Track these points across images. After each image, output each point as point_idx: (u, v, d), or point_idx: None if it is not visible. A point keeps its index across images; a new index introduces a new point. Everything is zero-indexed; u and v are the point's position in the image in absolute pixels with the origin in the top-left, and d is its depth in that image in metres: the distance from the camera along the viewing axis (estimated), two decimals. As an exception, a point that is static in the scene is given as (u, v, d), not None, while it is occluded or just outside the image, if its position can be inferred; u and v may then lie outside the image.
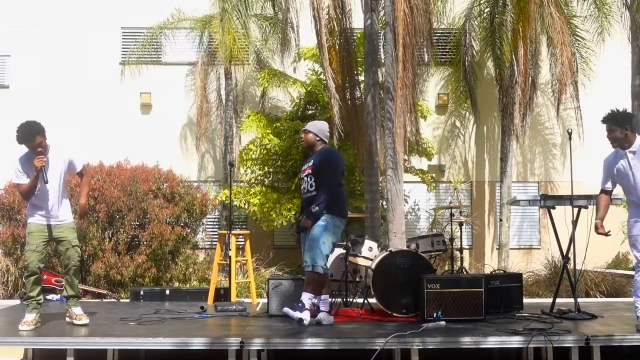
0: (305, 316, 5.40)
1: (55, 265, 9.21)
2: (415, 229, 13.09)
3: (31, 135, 5.29)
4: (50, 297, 7.75)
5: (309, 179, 5.66)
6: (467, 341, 4.88)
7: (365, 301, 6.42)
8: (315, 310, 5.50)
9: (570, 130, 6.42)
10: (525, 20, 11.34)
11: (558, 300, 6.45)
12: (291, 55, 11.77)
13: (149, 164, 10.84)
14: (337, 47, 10.10)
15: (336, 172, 5.63)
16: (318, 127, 5.82)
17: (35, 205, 5.43)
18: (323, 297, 5.59)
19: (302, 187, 5.78)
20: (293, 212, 10.67)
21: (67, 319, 5.53)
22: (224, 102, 12.90)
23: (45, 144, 5.38)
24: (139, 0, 13.32)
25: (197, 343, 4.88)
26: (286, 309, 5.50)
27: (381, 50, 9.91)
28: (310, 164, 5.69)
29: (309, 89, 11.87)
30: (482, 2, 12.90)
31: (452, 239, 8.18)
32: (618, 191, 5.68)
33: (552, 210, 6.46)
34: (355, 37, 10.67)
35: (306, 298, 5.47)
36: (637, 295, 5.20)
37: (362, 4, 9.85)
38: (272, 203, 11.16)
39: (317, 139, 5.78)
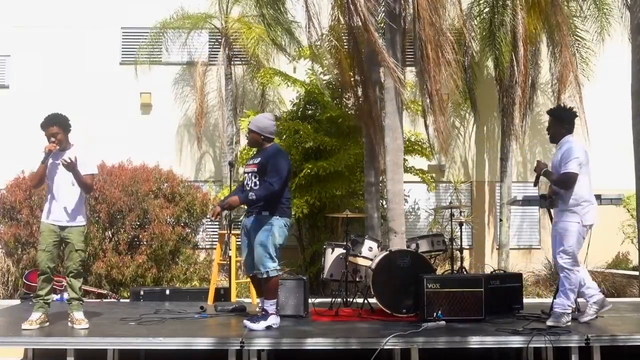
0: (274, 320, 5.37)
1: (56, 265, 9.20)
2: (415, 229, 13.08)
3: (49, 122, 5.44)
4: (51, 296, 7.74)
5: (253, 177, 5.49)
6: (467, 341, 4.89)
7: (365, 301, 6.43)
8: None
9: (570, 131, 6.42)
10: (534, 19, 11.38)
11: (558, 300, 6.44)
12: (292, 54, 11.79)
13: (149, 164, 10.85)
14: (343, 46, 10.12)
15: (281, 171, 5.43)
16: (260, 126, 5.58)
17: (47, 206, 5.48)
18: (271, 301, 5.48)
19: (246, 183, 5.60)
20: (293, 212, 10.65)
21: (69, 323, 5.51)
22: (224, 101, 12.91)
23: (62, 138, 5.45)
24: (139, 0, 13.31)
25: (198, 343, 4.89)
26: (248, 323, 5.31)
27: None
28: (257, 161, 5.52)
29: (308, 89, 11.87)
30: (481, 2, 12.89)
31: (452, 239, 8.18)
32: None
33: (552, 210, 6.45)
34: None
35: (268, 305, 5.41)
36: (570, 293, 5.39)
37: (364, 4, 9.84)
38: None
39: (262, 137, 5.58)
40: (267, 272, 5.35)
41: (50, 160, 5.44)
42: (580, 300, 6.23)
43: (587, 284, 5.61)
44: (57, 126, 5.43)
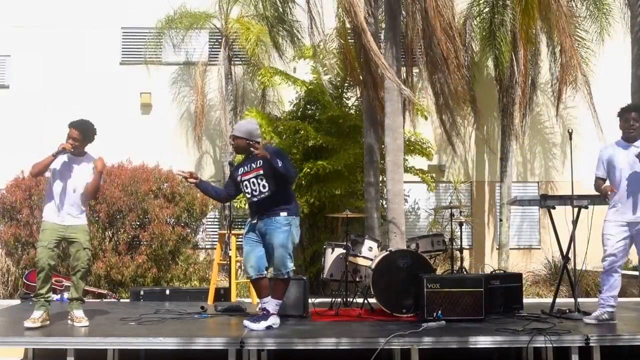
0: (275, 320, 5.38)
1: (56, 265, 9.20)
2: (415, 229, 13.08)
3: (75, 125, 5.55)
4: (51, 296, 7.74)
5: (259, 180, 5.42)
6: (467, 341, 4.89)
7: (365, 301, 6.43)
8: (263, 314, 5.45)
9: (570, 130, 6.42)
10: (529, 19, 11.37)
11: (558, 300, 6.45)
12: (292, 54, 11.78)
13: (149, 164, 10.86)
14: (349, 47, 10.16)
15: (289, 159, 5.52)
16: (244, 130, 5.53)
17: (51, 204, 5.50)
18: (277, 301, 5.51)
19: (248, 191, 5.51)
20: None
21: (69, 321, 5.54)
22: (224, 101, 12.91)
23: (78, 145, 5.53)
24: (139, 0, 13.32)
25: (197, 343, 4.88)
26: (248, 323, 5.30)
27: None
28: (259, 165, 5.43)
29: (309, 87, 11.87)
30: (481, 2, 12.89)
31: (452, 239, 8.18)
32: None
33: (552, 210, 6.46)
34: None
35: (273, 304, 5.43)
36: (599, 291, 5.41)
37: (364, 5, 9.86)
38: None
39: (249, 142, 5.47)
40: (288, 272, 5.42)
41: (65, 159, 5.48)
42: (581, 301, 6.26)
43: (615, 294, 5.54)
44: (79, 131, 5.51)
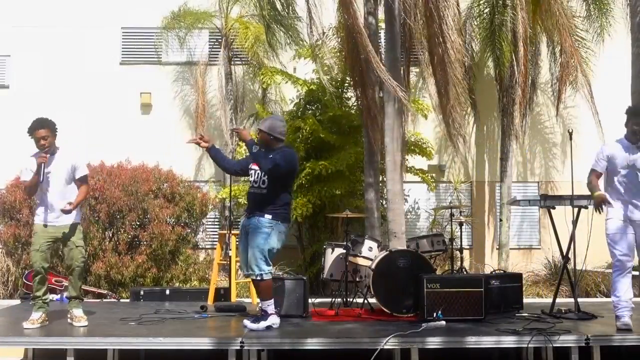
0: (274, 320, 5.38)
1: (55, 266, 9.21)
2: (415, 229, 13.08)
3: (36, 126, 5.44)
4: (50, 297, 7.73)
5: (262, 176, 5.50)
6: (467, 341, 4.89)
7: (365, 301, 6.43)
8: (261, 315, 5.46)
9: (571, 130, 6.43)
10: (535, 19, 11.38)
11: (558, 300, 6.46)
12: (292, 53, 11.77)
13: (149, 164, 10.85)
14: (348, 46, 10.14)
15: (287, 175, 5.55)
16: (269, 125, 5.62)
17: (40, 206, 5.51)
18: (267, 302, 5.50)
19: (251, 179, 5.62)
20: (299, 212, 10.59)
21: (68, 320, 5.55)
22: (224, 101, 12.90)
23: (50, 141, 5.46)
24: (139, 0, 13.32)
25: (197, 343, 4.89)
26: (248, 323, 5.33)
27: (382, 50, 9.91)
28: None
29: (310, 87, 11.85)
30: (481, 2, 12.88)
31: (452, 239, 8.17)
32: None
33: (552, 210, 6.46)
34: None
35: (266, 305, 5.42)
36: (614, 295, 5.23)
37: (364, 5, 9.87)
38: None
39: (271, 137, 5.57)
40: (262, 274, 5.37)
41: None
42: (581, 301, 6.25)
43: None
44: (45, 129, 5.44)
